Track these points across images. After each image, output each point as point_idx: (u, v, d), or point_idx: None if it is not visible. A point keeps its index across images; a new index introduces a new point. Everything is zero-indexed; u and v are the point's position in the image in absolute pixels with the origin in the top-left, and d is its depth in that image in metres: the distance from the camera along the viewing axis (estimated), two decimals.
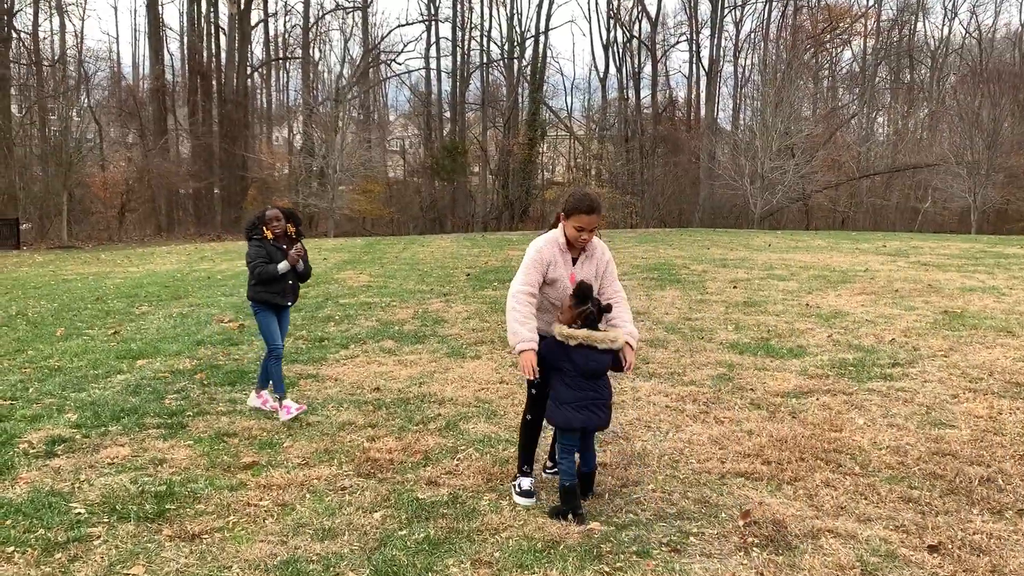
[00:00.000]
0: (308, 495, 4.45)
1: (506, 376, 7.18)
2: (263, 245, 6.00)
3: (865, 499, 4.39)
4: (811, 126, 40.32)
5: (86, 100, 43.42)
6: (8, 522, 4.06)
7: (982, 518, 4.17)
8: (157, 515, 4.16)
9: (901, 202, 42.52)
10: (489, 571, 3.56)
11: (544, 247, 4.24)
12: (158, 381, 7.09)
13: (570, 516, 4.12)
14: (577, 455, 4.28)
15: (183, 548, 3.80)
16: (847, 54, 51.35)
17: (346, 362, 7.81)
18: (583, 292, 4.13)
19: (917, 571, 3.59)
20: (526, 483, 4.41)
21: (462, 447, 5.25)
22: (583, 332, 4.06)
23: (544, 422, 4.48)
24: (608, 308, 4.25)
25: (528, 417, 4.44)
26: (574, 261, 4.30)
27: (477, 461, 4.97)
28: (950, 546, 3.83)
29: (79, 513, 4.17)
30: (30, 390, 6.78)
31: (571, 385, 4.12)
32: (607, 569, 3.58)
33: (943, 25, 56.57)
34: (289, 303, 6.24)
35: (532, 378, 4.09)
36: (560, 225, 4.29)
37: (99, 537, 3.90)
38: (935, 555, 3.74)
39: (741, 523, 4.03)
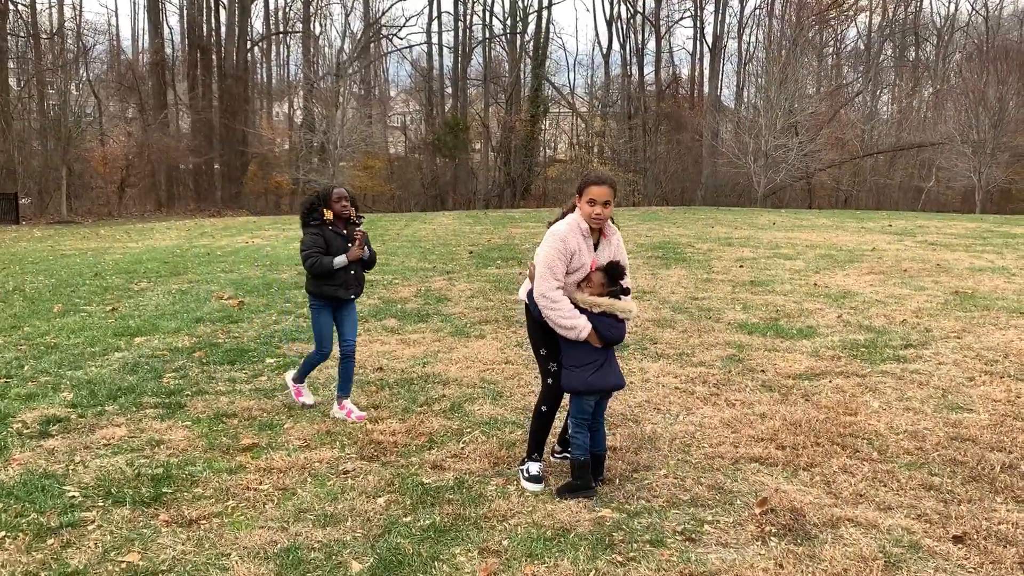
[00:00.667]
0: (309, 479, 4.32)
1: (511, 356, 7.03)
2: (321, 232, 5.25)
3: (884, 486, 4.25)
4: (815, 104, 39.92)
5: (85, 74, 43.00)
6: None
7: (1007, 507, 4.03)
8: (153, 499, 4.03)
9: (904, 181, 42.21)
10: (498, 560, 3.43)
11: (568, 235, 4.05)
12: (156, 359, 6.95)
13: (580, 495, 4.06)
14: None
15: (180, 534, 3.67)
16: (852, 31, 50.82)
17: None
18: (618, 273, 4.15)
19: (942, 563, 3.46)
20: (534, 468, 4.28)
21: (467, 429, 5.12)
22: (606, 300, 4.10)
23: (557, 410, 4.36)
24: (627, 291, 4.20)
25: (543, 408, 4.30)
26: (595, 246, 4.15)
27: (483, 444, 4.84)
28: (975, 536, 3.69)
29: (73, 496, 4.04)
30: (25, 368, 6.64)
31: (586, 349, 4.08)
32: (620, 559, 3.45)
33: (949, 2, 55.82)
34: (353, 296, 5.48)
35: (599, 346, 4.12)
36: (577, 209, 4.11)
37: (93, 522, 3.77)
38: (960, 546, 3.60)
39: (757, 511, 3.89)
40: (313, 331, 5.55)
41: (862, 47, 49.57)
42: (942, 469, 4.51)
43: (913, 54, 49.61)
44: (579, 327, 4.01)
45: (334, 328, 5.51)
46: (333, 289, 5.33)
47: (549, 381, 4.26)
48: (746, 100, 47.82)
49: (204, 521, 3.80)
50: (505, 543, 3.58)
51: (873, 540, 3.63)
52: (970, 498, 4.12)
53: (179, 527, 3.74)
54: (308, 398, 5.71)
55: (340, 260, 5.25)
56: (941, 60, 48.29)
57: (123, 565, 3.38)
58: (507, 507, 3.96)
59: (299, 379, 5.72)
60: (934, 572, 3.39)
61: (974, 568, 3.45)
